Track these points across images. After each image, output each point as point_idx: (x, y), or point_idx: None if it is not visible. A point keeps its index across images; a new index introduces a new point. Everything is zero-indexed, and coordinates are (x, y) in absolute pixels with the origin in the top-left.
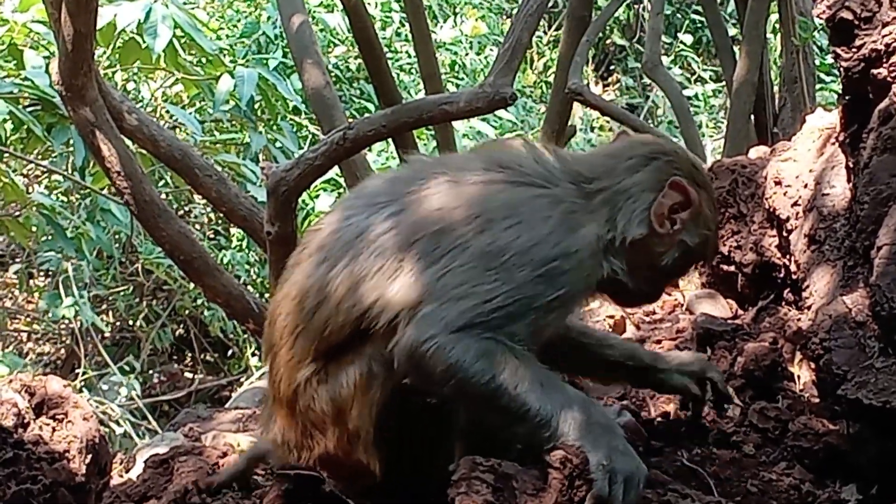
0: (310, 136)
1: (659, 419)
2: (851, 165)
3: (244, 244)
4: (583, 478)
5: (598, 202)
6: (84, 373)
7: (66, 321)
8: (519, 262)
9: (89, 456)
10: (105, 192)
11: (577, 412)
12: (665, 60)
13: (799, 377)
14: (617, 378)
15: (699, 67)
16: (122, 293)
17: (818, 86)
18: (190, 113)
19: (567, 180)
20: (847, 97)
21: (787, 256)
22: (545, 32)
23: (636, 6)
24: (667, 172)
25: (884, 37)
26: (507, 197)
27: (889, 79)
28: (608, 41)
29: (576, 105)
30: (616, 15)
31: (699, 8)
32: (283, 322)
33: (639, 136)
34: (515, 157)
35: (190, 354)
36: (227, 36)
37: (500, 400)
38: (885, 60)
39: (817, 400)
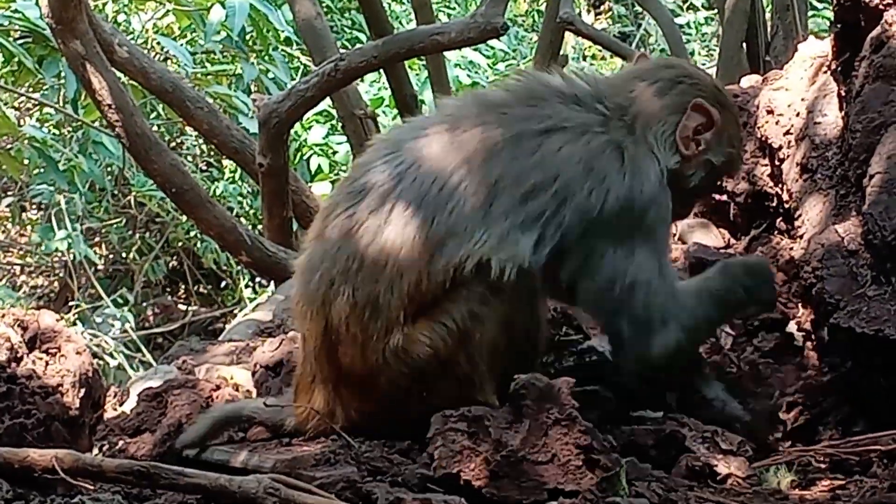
0: (301, 68)
1: None
2: (843, 94)
3: (236, 176)
4: (554, 402)
5: (640, 131)
6: (77, 305)
7: (59, 254)
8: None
9: (83, 390)
10: (97, 124)
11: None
12: None
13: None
14: None
15: None
16: (114, 226)
17: (810, 13)
18: (181, 44)
19: (613, 115)
20: (839, 25)
21: (780, 185)
22: None
23: None
24: (691, 94)
25: None
26: (574, 152)
27: (881, 6)
28: None
29: (568, 34)
30: None
31: None
32: (343, 304)
33: (663, 59)
34: (554, 95)
35: (183, 286)
36: None
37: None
38: None
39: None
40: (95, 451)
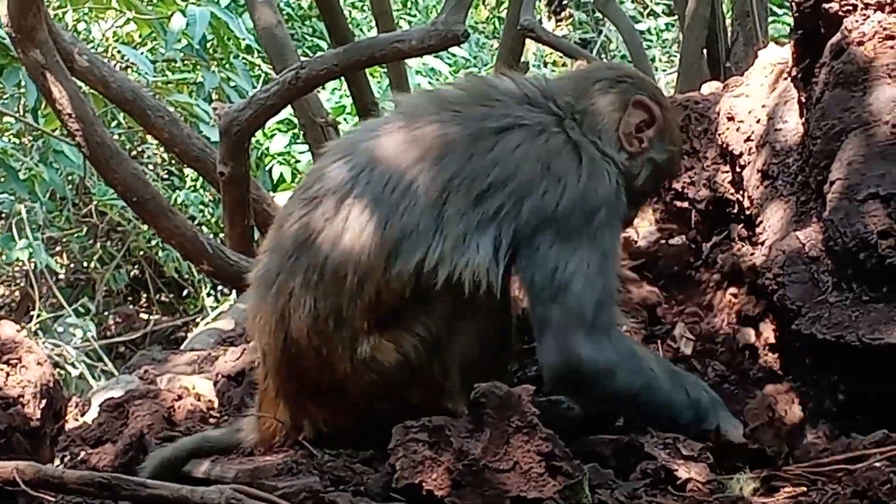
0: (263, 76)
1: None
2: (804, 100)
3: (198, 184)
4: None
5: (587, 129)
6: (39, 315)
7: (20, 263)
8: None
9: (44, 401)
10: (57, 133)
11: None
12: None
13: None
14: None
15: (651, 1)
16: (75, 235)
17: (770, 19)
18: (142, 53)
19: (565, 114)
20: (799, 32)
21: (741, 192)
22: None
23: None
24: (631, 92)
25: None
26: (531, 151)
27: (840, 13)
28: None
29: (529, 40)
30: None
31: None
32: (305, 316)
33: (603, 62)
34: (506, 95)
35: (145, 295)
36: None
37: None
38: None
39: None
40: (57, 462)
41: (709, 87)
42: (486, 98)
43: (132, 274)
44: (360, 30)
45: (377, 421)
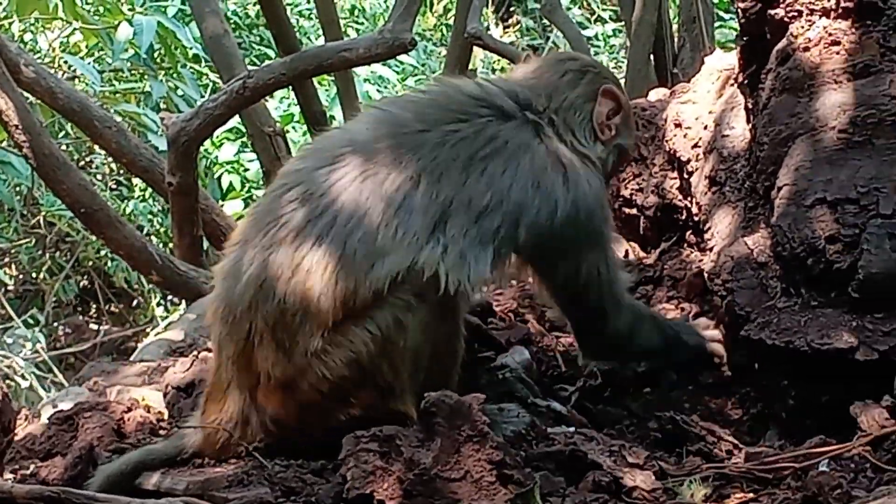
0: (211, 84)
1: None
2: (751, 106)
3: (147, 194)
4: (465, 419)
5: (562, 127)
6: None
7: None
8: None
9: None
10: (4, 144)
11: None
12: (564, 1)
13: None
14: None
15: (598, 7)
16: (24, 246)
17: (717, 24)
18: (89, 63)
19: (541, 120)
20: (745, 38)
21: (689, 198)
22: None
23: None
24: (599, 82)
25: None
26: (520, 172)
27: (786, 19)
28: None
29: (477, 48)
30: None
31: None
32: (273, 307)
33: (558, 52)
34: (477, 107)
35: (95, 306)
36: None
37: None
38: (781, 0)
39: None
40: (7, 475)
41: (656, 94)
42: (464, 112)
43: (81, 284)
44: (308, 38)
45: (325, 421)
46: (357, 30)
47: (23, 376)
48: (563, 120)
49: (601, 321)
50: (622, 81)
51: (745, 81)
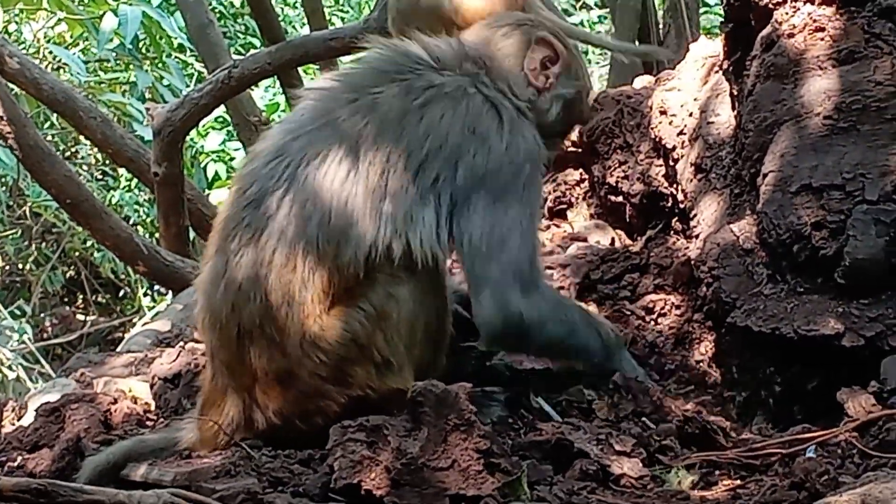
0: (196, 74)
1: None
2: (736, 93)
3: (133, 184)
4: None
5: (496, 73)
6: None
7: None
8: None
9: None
10: None
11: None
12: None
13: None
14: None
15: None
16: (10, 237)
17: (702, 10)
18: (74, 53)
19: (479, 71)
20: (730, 25)
21: (675, 186)
22: None
23: None
24: (534, 32)
25: None
26: (456, 118)
27: (770, 5)
28: None
29: None
30: None
31: None
32: (256, 307)
33: (503, 13)
34: (416, 63)
35: (81, 296)
36: None
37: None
38: None
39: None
40: None
41: (641, 81)
42: (399, 72)
43: (68, 275)
44: (293, 27)
45: (328, 406)
46: (342, 18)
47: (10, 367)
48: (496, 68)
49: (509, 287)
50: (606, 68)
51: (730, 68)
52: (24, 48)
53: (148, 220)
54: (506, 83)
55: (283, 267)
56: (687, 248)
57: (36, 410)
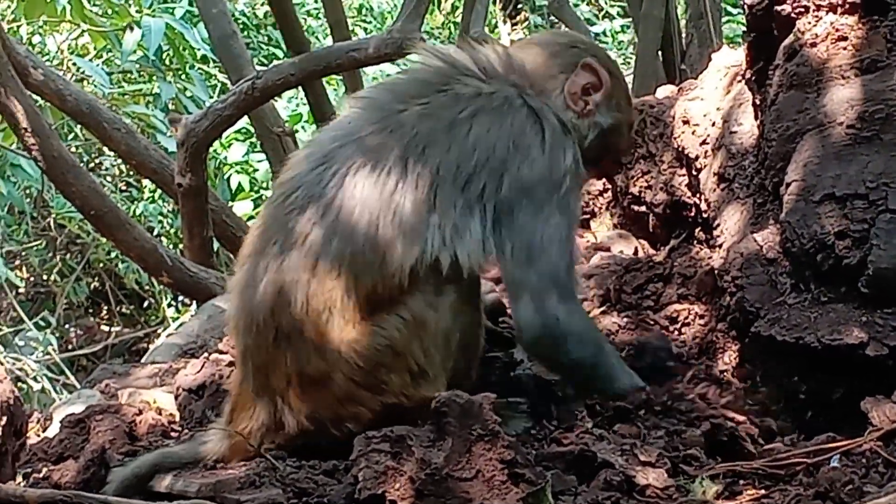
0: (219, 85)
1: None
2: (758, 102)
3: (156, 195)
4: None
5: (536, 92)
6: None
7: None
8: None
9: (4, 418)
10: (14, 147)
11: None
12: None
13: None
14: None
15: (606, 3)
16: (35, 248)
17: (725, 19)
18: (97, 65)
19: (523, 83)
20: (752, 34)
21: (698, 195)
22: None
23: None
24: (581, 55)
25: None
26: (502, 131)
27: (793, 15)
28: None
29: None
30: None
31: None
32: (298, 310)
33: (556, 30)
34: (464, 74)
35: (106, 307)
36: None
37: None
38: None
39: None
40: (19, 479)
41: (664, 91)
42: (446, 82)
43: (92, 286)
44: (316, 37)
45: (360, 412)
46: (365, 29)
47: (35, 379)
48: (539, 85)
49: (547, 293)
50: (630, 78)
51: (753, 78)
52: (47, 60)
53: (172, 231)
54: (547, 100)
55: (327, 274)
56: (710, 257)
57: (61, 422)
